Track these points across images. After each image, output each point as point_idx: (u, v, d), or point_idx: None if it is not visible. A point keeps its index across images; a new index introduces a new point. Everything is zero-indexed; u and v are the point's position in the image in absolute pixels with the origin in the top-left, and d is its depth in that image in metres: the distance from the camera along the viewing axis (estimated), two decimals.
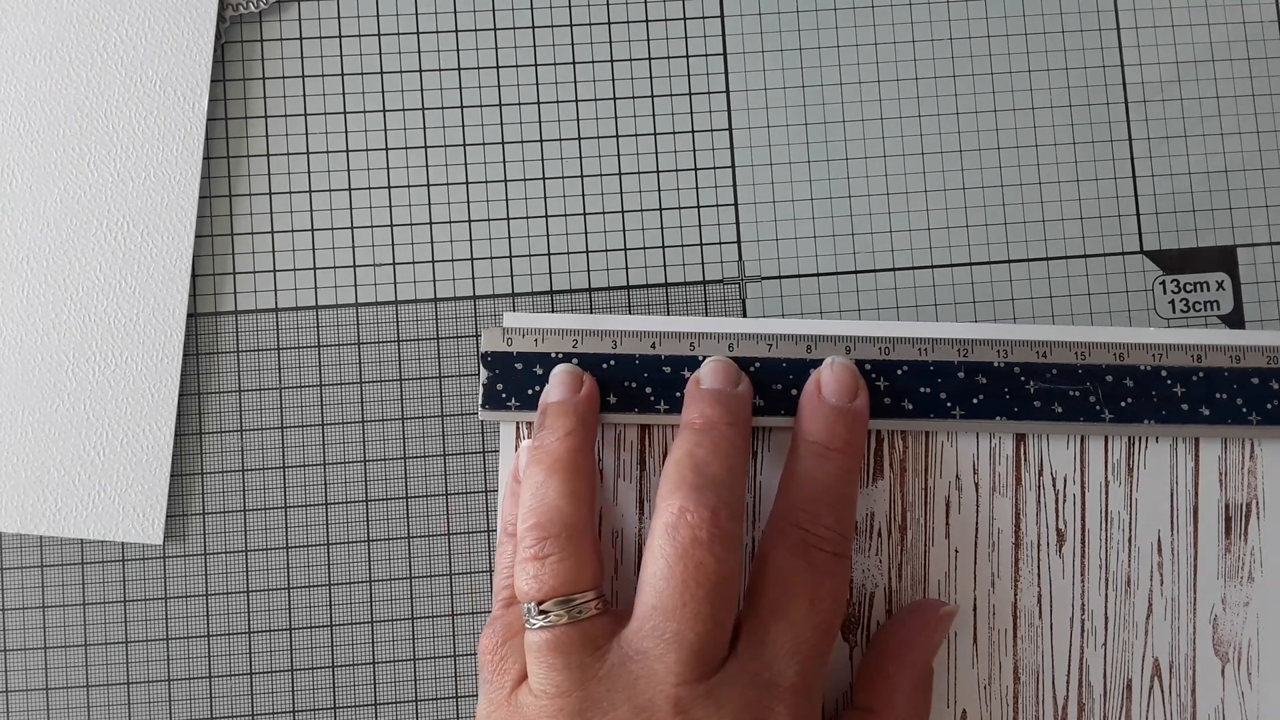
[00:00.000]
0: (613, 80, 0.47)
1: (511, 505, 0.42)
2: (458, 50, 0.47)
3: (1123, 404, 0.43)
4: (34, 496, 0.44)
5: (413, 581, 0.45)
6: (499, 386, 0.43)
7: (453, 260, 0.46)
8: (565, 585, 0.38)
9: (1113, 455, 0.44)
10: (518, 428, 0.44)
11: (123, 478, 0.44)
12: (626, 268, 0.47)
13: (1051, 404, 0.43)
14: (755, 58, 0.48)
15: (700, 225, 0.47)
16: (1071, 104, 0.47)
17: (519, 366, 0.43)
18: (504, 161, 0.47)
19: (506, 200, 0.47)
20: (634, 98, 0.47)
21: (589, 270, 0.46)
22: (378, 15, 0.47)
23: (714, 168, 0.47)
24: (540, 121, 0.47)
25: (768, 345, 0.43)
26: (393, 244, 0.46)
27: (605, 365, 0.43)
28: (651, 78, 0.47)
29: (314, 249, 0.46)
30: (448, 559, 0.45)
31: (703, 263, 0.47)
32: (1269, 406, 0.43)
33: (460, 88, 0.47)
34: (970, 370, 0.43)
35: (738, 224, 0.47)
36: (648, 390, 0.43)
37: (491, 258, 0.46)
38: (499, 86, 0.47)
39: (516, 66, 0.47)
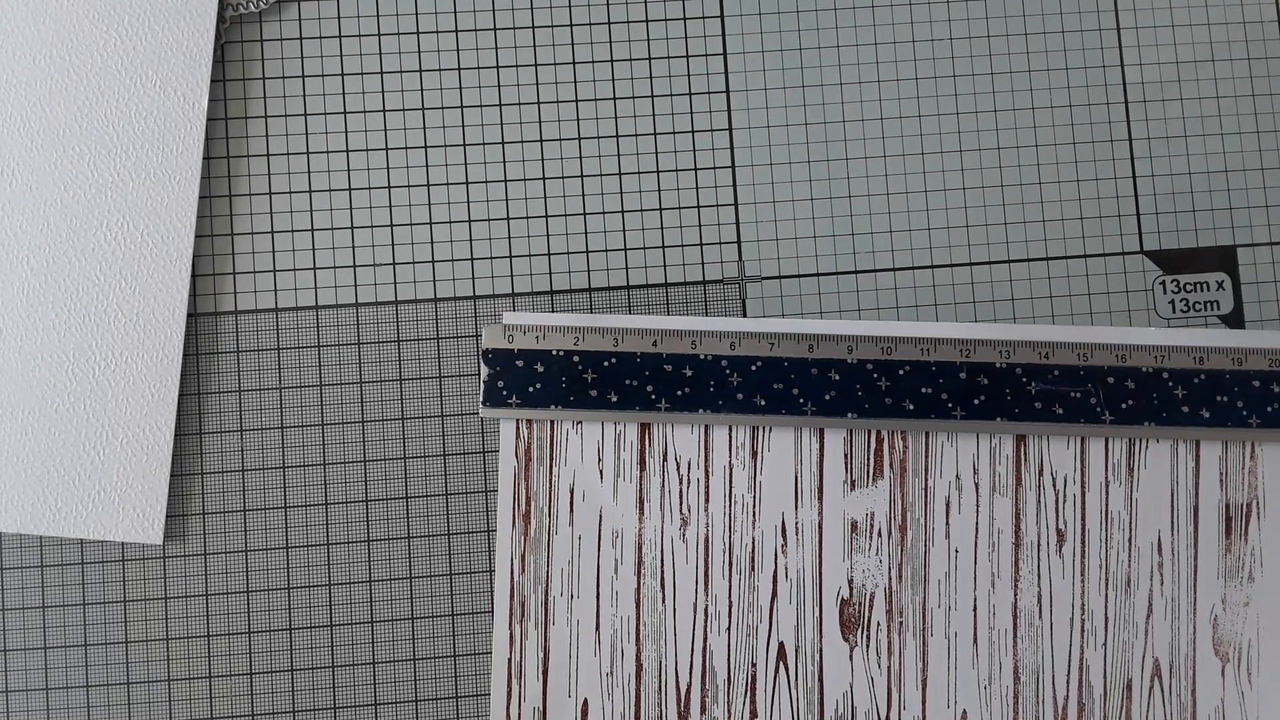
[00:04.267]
0: (613, 80, 0.47)
1: None
2: (458, 50, 0.47)
3: (1124, 406, 0.43)
4: (34, 496, 0.44)
5: (413, 581, 0.45)
6: (500, 384, 0.43)
7: (453, 260, 0.46)
8: None
9: (1113, 455, 0.44)
10: (518, 425, 0.44)
11: (123, 478, 0.44)
12: (626, 268, 0.47)
13: (1052, 405, 0.43)
14: (755, 58, 0.48)
15: (700, 225, 0.47)
16: (1071, 104, 0.48)
17: (520, 364, 0.43)
18: (504, 161, 0.47)
19: (506, 200, 0.47)
20: (634, 98, 0.47)
21: (589, 270, 0.46)
22: (378, 15, 0.47)
23: (714, 168, 0.47)
24: (540, 121, 0.47)
25: (769, 344, 0.43)
26: (393, 244, 0.46)
27: (606, 363, 0.43)
28: (651, 78, 0.47)
29: (314, 249, 0.46)
30: (448, 559, 0.45)
31: (703, 263, 0.47)
32: (1269, 410, 0.43)
33: (460, 88, 0.47)
34: (972, 371, 0.43)
35: (738, 224, 0.47)
36: (649, 389, 0.43)
37: (491, 258, 0.46)
38: (499, 86, 0.47)
39: (516, 66, 0.47)
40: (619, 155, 0.47)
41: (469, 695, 0.45)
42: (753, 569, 0.44)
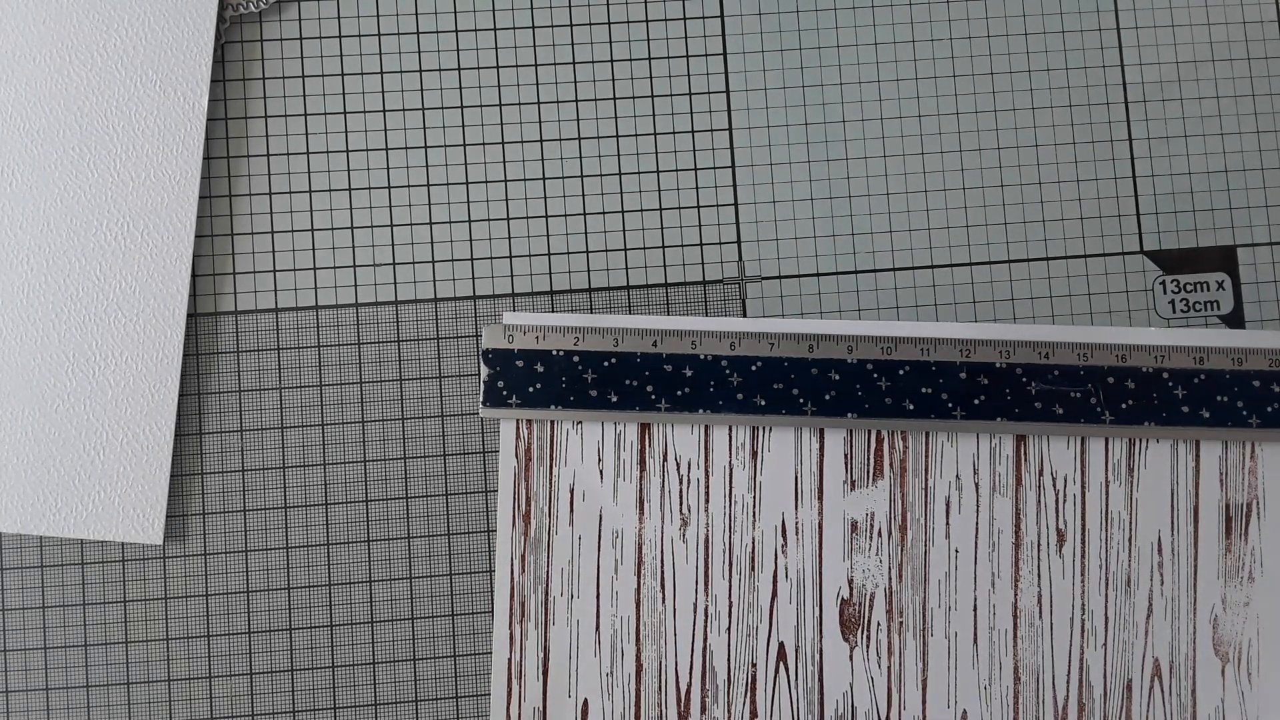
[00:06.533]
0: (613, 80, 0.47)
1: None
2: (458, 50, 0.47)
3: (1124, 406, 0.43)
4: (34, 496, 0.44)
5: (413, 581, 0.45)
6: (500, 384, 0.43)
7: (453, 260, 0.46)
8: None
9: (1113, 455, 0.44)
10: (518, 425, 0.44)
11: (123, 478, 0.44)
12: (626, 268, 0.47)
13: (1052, 405, 0.43)
14: (755, 58, 0.48)
15: (700, 225, 0.47)
16: (1071, 104, 0.48)
17: (520, 364, 0.43)
18: (504, 161, 0.47)
19: (506, 200, 0.47)
20: (634, 98, 0.47)
21: (589, 270, 0.46)
22: (378, 15, 0.47)
23: (714, 168, 0.47)
24: (540, 121, 0.47)
25: (770, 344, 0.43)
26: (393, 244, 0.46)
27: (606, 363, 0.43)
28: (651, 78, 0.47)
29: (314, 249, 0.46)
30: (448, 559, 0.45)
31: (703, 263, 0.47)
32: (1269, 410, 0.43)
33: (460, 88, 0.47)
34: (972, 371, 0.43)
35: (738, 224, 0.47)
36: (649, 389, 0.43)
37: (491, 258, 0.46)
38: (499, 86, 0.47)
39: (516, 66, 0.47)
40: (619, 155, 0.47)
41: (469, 695, 0.45)
42: (753, 569, 0.44)
